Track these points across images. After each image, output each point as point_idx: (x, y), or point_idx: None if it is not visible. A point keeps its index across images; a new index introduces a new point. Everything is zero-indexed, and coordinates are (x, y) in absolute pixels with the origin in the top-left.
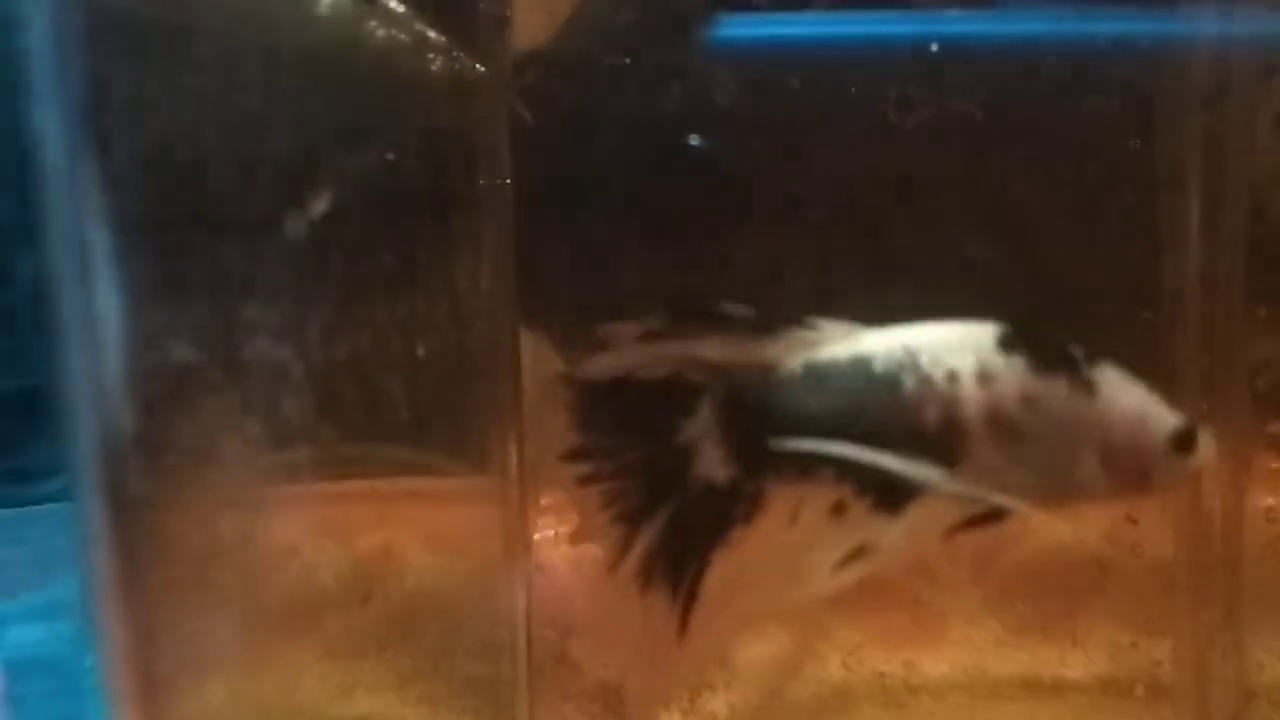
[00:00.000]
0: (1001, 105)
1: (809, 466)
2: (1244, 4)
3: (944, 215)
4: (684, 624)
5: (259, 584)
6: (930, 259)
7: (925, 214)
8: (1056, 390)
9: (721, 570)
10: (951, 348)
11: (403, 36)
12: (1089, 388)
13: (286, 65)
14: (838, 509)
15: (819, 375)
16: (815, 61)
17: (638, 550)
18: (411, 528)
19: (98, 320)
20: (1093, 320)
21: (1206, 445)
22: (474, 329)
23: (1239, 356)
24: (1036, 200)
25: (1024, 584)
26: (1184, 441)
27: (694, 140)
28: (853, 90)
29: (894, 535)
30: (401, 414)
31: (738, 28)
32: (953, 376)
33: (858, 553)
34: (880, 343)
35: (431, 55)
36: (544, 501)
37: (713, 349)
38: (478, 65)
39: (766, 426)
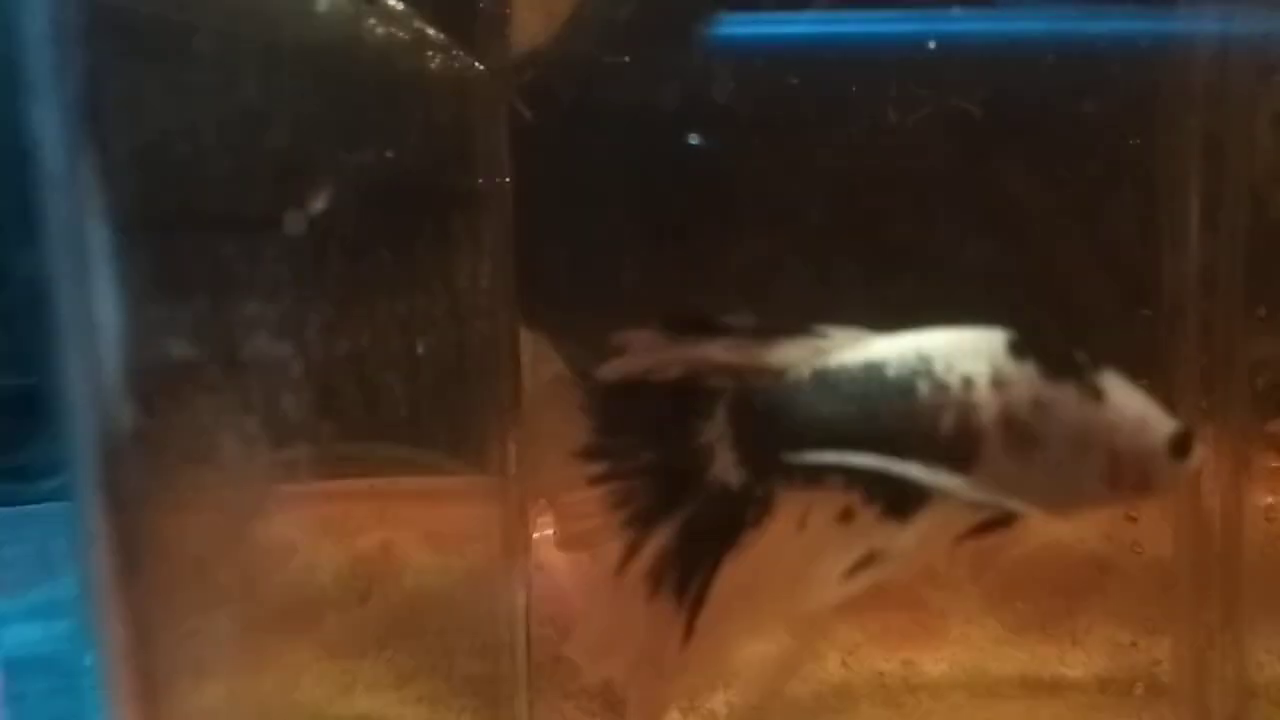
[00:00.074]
0: (1001, 104)
1: (818, 472)
2: (1244, 4)
3: (943, 214)
4: (690, 628)
5: (258, 582)
6: (929, 258)
7: (924, 212)
8: (1066, 396)
9: (728, 575)
10: (965, 353)
11: (402, 34)
12: (1096, 393)
13: (286, 63)
14: (846, 515)
15: (831, 380)
16: (815, 60)
17: (647, 553)
18: (411, 526)
19: (96, 318)
20: (1093, 319)
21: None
22: (473, 327)
23: (1239, 355)
24: (1036, 199)
25: (1023, 583)
26: (1181, 446)
27: (693, 139)
28: (852, 89)
29: (904, 542)
30: (401, 412)
31: (738, 26)
32: (968, 382)
33: (867, 560)
34: (892, 348)
35: (431, 53)
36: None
37: (723, 354)
38: (477, 63)
39: (777, 431)
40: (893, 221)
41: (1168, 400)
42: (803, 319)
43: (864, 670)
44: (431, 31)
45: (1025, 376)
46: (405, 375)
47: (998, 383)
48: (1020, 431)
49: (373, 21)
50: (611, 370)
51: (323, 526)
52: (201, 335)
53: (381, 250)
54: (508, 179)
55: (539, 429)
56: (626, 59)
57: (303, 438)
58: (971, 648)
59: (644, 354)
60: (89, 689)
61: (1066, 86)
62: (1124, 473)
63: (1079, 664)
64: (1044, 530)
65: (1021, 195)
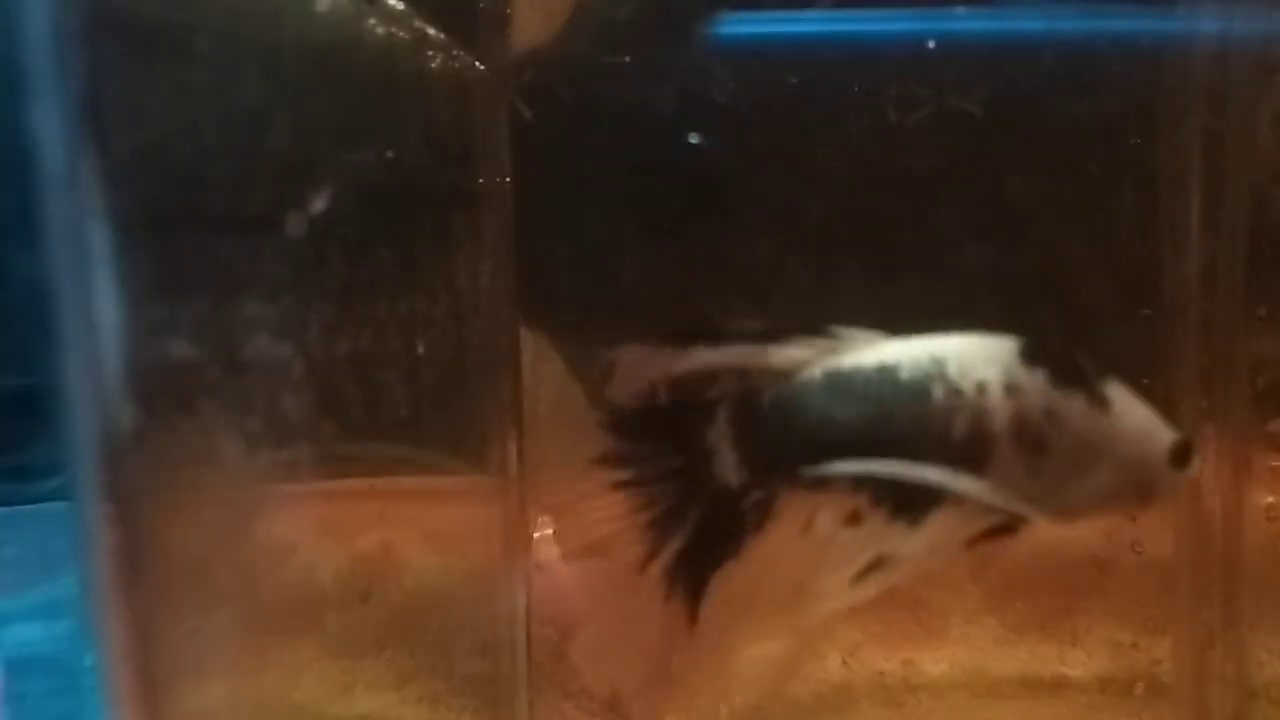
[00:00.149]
0: (1001, 104)
1: (825, 474)
2: (1244, 3)
3: (943, 214)
4: (695, 632)
5: (258, 582)
6: (929, 257)
7: (924, 212)
8: (1075, 405)
9: (733, 578)
10: (978, 359)
11: (402, 34)
12: (1103, 402)
13: (286, 63)
14: (853, 518)
15: (844, 382)
16: (815, 60)
17: (653, 557)
18: (411, 526)
19: (97, 318)
20: (1093, 319)
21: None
22: (474, 327)
23: (1239, 354)
24: (1037, 199)
25: (1024, 582)
26: (1182, 455)
27: (693, 138)
28: (853, 89)
29: (912, 546)
30: (401, 412)
31: (738, 26)
32: (981, 387)
33: (875, 564)
34: (906, 351)
35: (431, 53)
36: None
37: (726, 360)
38: (477, 63)
39: (787, 432)
40: (893, 221)
41: (1168, 400)
42: (802, 318)
43: (864, 670)
44: (432, 31)
45: (1036, 384)
46: (405, 375)
47: (1010, 389)
48: (1031, 438)
49: (373, 21)
50: (619, 392)
51: (323, 526)
52: (202, 335)
53: (382, 250)
54: (508, 179)
55: (548, 439)
56: (627, 59)
57: (303, 438)
58: (972, 647)
59: (637, 370)
60: (89, 689)
61: (1066, 86)
62: (1128, 481)
63: (1079, 664)
64: (1044, 530)
65: (1021, 195)
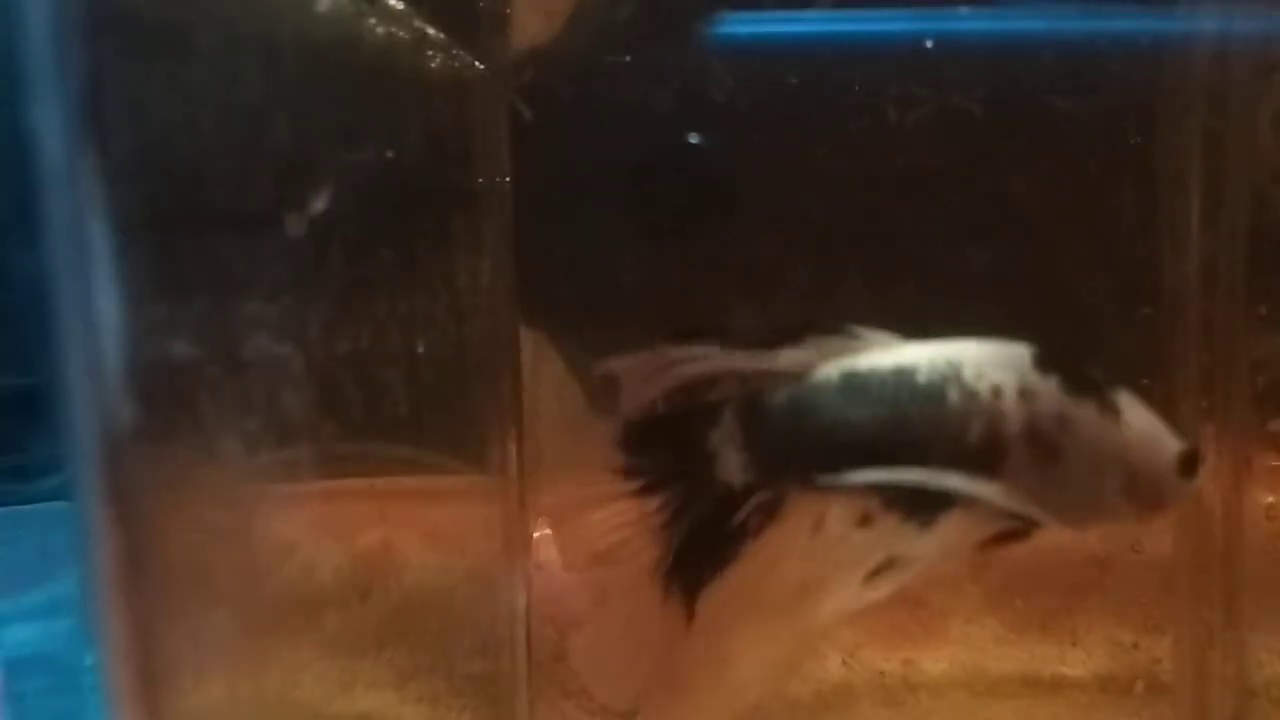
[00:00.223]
0: (1002, 103)
1: (837, 475)
2: (1244, 3)
3: (943, 213)
4: (695, 632)
5: (258, 581)
6: (929, 257)
7: (925, 212)
8: (1087, 412)
9: (736, 578)
10: (994, 363)
11: (402, 34)
12: (1113, 410)
13: (286, 62)
14: (864, 520)
15: (858, 384)
16: (815, 59)
17: (661, 561)
18: (411, 525)
19: (97, 317)
20: (1093, 318)
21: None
22: (474, 326)
23: (1239, 354)
24: (1037, 198)
25: (1023, 582)
26: (1189, 464)
27: (693, 138)
28: (853, 88)
29: (923, 548)
30: (401, 411)
31: (738, 25)
32: (997, 391)
33: (886, 565)
34: (922, 354)
35: (431, 53)
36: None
37: (737, 363)
38: (477, 63)
39: (799, 433)
40: (893, 220)
41: (1168, 400)
42: (802, 317)
43: (864, 669)
44: (432, 31)
45: (1050, 390)
46: (405, 374)
47: (1025, 394)
48: (1044, 443)
49: (373, 21)
50: (624, 402)
51: (323, 525)
52: (202, 334)
53: (382, 249)
54: (508, 178)
55: (548, 439)
56: (627, 58)
57: (303, 437)
58: (972, 647)
59: (640, 380)
60: (89, 688)
61: (1066, 86)
62: (1137, 489)
63: (1079, 663)
64: (1046, 531)
65: (1022, 195)
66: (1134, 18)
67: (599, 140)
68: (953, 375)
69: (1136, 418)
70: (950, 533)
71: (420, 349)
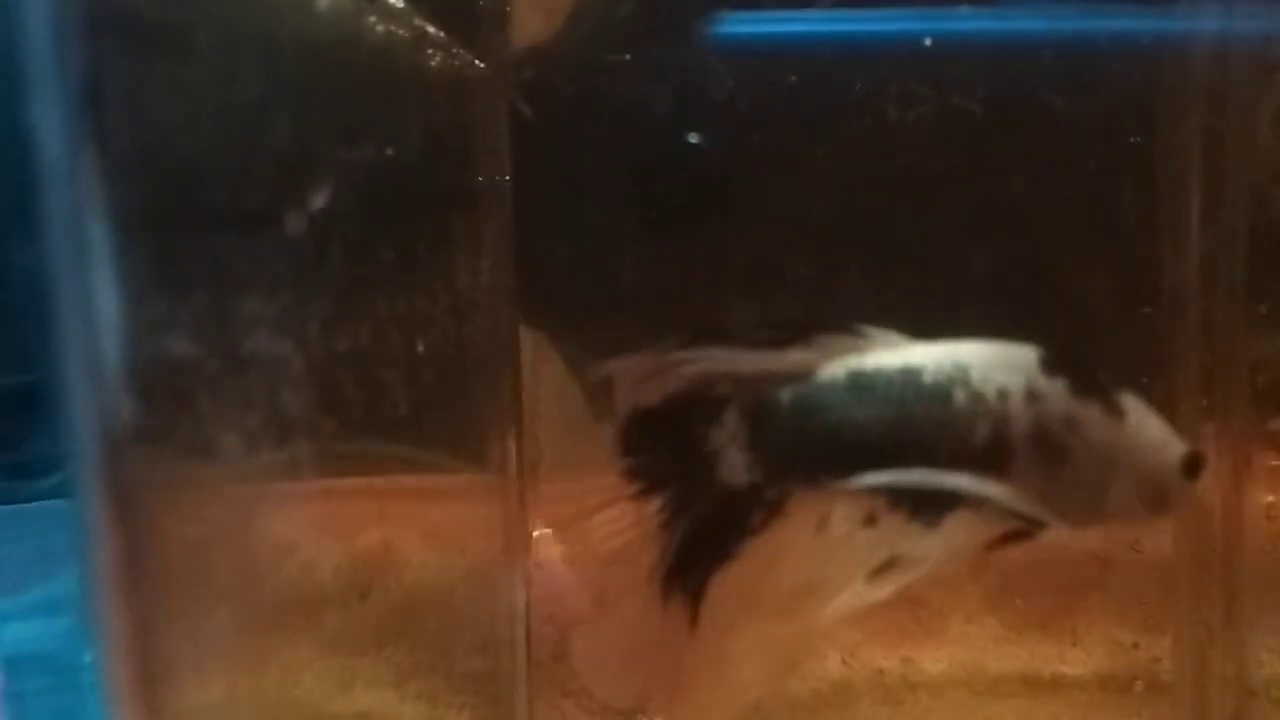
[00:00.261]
0: (1002, 103)
1: (842, 474)
2: (1244, 3)
3: (943, 212)
4: (697, 631)
5: (258, 580)
6: (929, 256)
7: (925, 211)
8: (1092, 414)
9: (739, 577)
10: (1000, 366)
11: (402, 32)
12: (1119, 413)
13: (286, 60)
14: (869, 519)
15: (865, 384)
16: (815, 58)
17: (666, 561)
18: (411, 524)
19: (96, 315)
20: (1093, 318)
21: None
22: (473, 325)
23: (1239, 353)
24: (1037, 198)
25: (1023, 581)
26: (1193, 467)
27: (693, 137)
28: (853, 87)
29: (929, 548)
30: (401, 410)
31: (738, 24)
32: (1003, 394)
33: (890, 564)
34: (929, 355)
35: (431, 51)
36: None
37: (746, 364)
38: (477, 61)
39: (805, 432)
40: (893, 219)
41: (1168, 400)
42: (802, 317)
43: (864, 668)
44: (431, 29)
45: (1056, 392)
46: (405, 373)
47: (1031, 396)
48: (1051, 445)
49: (373, 19)
50: (631, 405)
51: (323, 524)
52: (202, 332)
53: (381, 248)
54: (508, 177)
55: (548, 439)
56: (627, 57)
57: (303, 435)
58: (971, 646)
59: (639, 382)
60: (88, 686)
61: (1066, 86)
62: (1141, 491)
63: (1079, 662)
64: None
65: (1021, 194)
66: (1134, 18)
67: (599, 138)
68: (960, 377)
69: (1142, 420)
70: (956, 533)
71: (420, 348)
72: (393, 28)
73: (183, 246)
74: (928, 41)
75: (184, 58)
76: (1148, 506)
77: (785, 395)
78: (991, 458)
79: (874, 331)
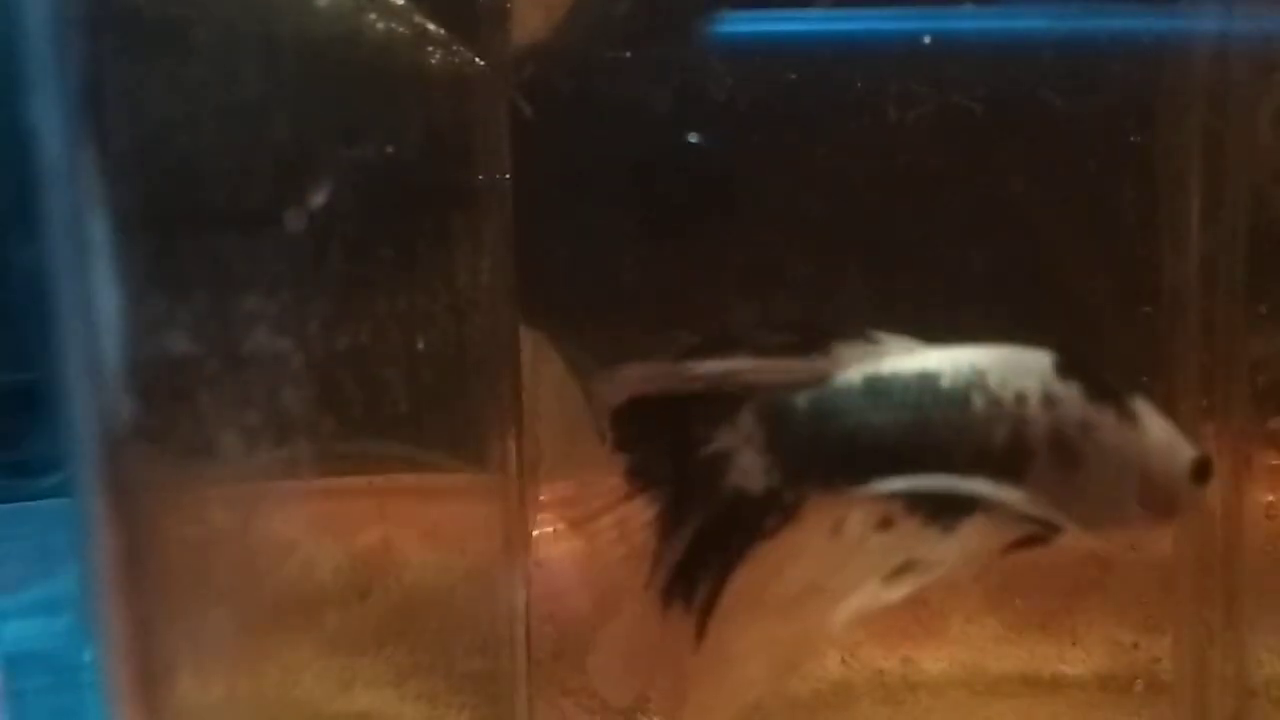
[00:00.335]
0: (1002, 102)
1: (858, 477)
2: (1244, 3)
3: (943, 212)
4: (707, 635)
5: (258, 579)
6: (929, 255)
7: (925, 210)
8: (1107, 419)
9: (750, 581)
10: (1017, 370)
11: (402, 30)
12: (1131, 417)
13: (286, 57)
14: (885, 523)
15: (883, 388)
16: (815, 57)
17: (675, 563)
18: (411, 523)
19: (96, 313)
20: (1093, 317)
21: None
22: (473, 324)
23: (1239, 353)
24: (1037, 197)
25: (1023, 581)
26: (1202, 471)
27: (693, 136)
28: (853, 86)
29: (944, 553)
30: (401, 409)
31: (738, 23)
32: (1020, 398)
33: (905, 568)
34: (945, 360)
35: (431, 49)
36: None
37: (755, 368)
38: (477, 59)
39: (822, 437)
40: (893, 219)
41: (1168, 399)
42: (802, 317)
43: (864, 668)
44: (431, 27)
45: (1072, 396)
46: (405, 372)
47: (1048, 401)
48: (1067, 450)
49: (373, 16)
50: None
51: (323, 523)
52: (202, 330)
53: (381, 246)
54: (508, 175)
55: (548, 438)
56: (627, 55)
57: (303, 434)
58: (971, 646)
59: (641, 386)
60: (88, 685)
61: (1066, 86)
62: (1153, 496)
63: (1079, 662)
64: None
65: (1021, 193)
66: (1134, 18)
67: (599, 137)
68: (977, 381)
69: (1153, 424)
70: (971, 537)
71: (420, 346)
72: (393, 25)
73: (183, 246)
74: (927, 41)
75: (184, 57)
76: (1158, 510)
77: (802, 399)
78: (1009, 462)
79: (888, 338)
